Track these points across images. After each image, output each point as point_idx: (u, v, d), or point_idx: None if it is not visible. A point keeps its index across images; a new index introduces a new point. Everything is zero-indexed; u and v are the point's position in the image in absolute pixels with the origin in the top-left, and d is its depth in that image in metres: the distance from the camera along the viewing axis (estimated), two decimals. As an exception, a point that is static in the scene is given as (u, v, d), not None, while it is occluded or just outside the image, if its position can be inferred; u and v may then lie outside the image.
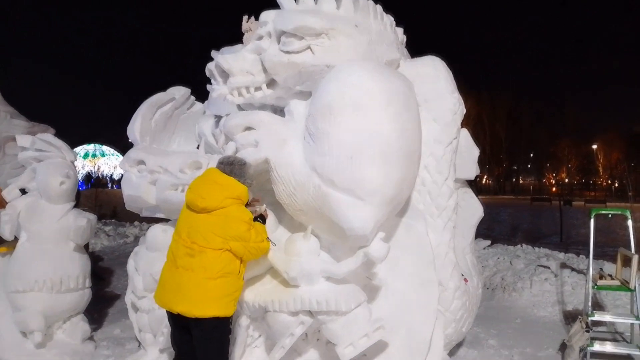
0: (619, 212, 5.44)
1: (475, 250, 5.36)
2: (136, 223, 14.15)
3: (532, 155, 65.94)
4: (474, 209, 5.12)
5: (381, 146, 3.41)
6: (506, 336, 5.85)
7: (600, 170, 61.40)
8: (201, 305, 3.21)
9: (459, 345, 5.14)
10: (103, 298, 6.99)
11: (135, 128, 4.58)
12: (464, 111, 4.41)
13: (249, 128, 3.70)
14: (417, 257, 4.11)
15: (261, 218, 3.61)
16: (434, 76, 4.29)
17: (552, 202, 39.83)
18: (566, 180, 62.95)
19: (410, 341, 3.91)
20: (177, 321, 3.37)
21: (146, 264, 4.44)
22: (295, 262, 3.64)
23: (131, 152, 4.47)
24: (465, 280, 4.60)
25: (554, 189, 59.13)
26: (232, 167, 3.43)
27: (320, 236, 3.77)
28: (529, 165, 69.35)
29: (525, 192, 58.66)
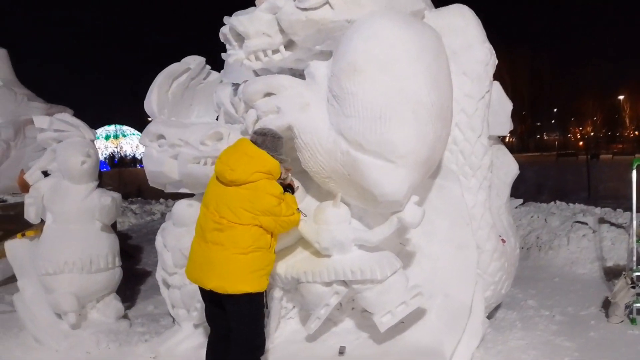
0: (665, 162, 5.13)
1: (510, 210, 5.15)
2: (162, 200, 14.22)
3: (555, 110, 64.30)
4: (508, 167, 4.88)
5: (412, 103, 3.20)
6: (545, 296, 5.68)
7: (627, 122, 59.64)
8: (233, 281, 3.11)
9: (497, 307, 4.99)
10: (134, 276, 7.02)
11: (152, 101, 4.44)
12: (496, 62, 4.14)
13: (269, 94, 3.52)
14: (453, 219, 3.93)
15: (290, 188, 3.46)
16: (462, 26, 4.01)
17: (579, 157, 38.97)
18: (592, 134, 61.37)
19: (450, 306, 3.78)
20: (209, 297, 3.29)
21: (174, 240, 4.38)
22: (326, 231, 3.50)
23: (150, 127, 4.35)
24: (503, 241, 4.42)
25: (580, 143, 57.79)
26: (264, 138, 3.26)
27: (351, 203, 3.61)
28: (553, 121, 67.75)
29: (550, 149, 57.53)
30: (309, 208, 3.73)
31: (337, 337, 3.94)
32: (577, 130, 64.55)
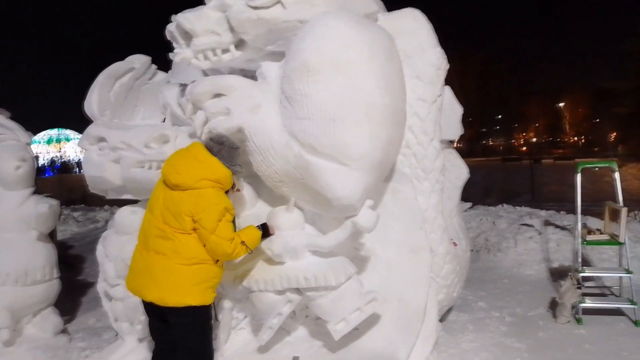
0: (606, 165, 5.32)
1: (461, 212, 5.20)
2: (106, 207, 13.63)
3: (500, 116, 66.63)
4: (459, 170, 4.93)
5: (365, 105, 3.14)
6: (495, 297, 5.77)
7: (567, 128, 62.56)
8: (175, 294, 2.92)
9: (449, 310, 5.01)
10: (75, 287, 6.64)
11: (92, 102, 4.18)
12: (448, 66, 4.15)
13: (218, 95, 3.38)
14: (406, 223, 3.91)
15: (264, 228, 3.30)
16: (414, 29, 4.01)
17: (522, 161, 40.42)
18: (534, 139, 63.96)
19: (404, 311, 3.74)
20: (152, 309, 3.07)
21: (116, 249, 4.13)
22: (278, 237, 3.40)
23: (90, 129, 4.10)
24: (455, 244, 4.45)
25: (523, 148, 60.12)
26: (221, 147, 3.10)
27: (304, 208, 3.51)
28: (498, 127, 70.15)
29: (495, 153, 59.42)
30: (261, 213, 3.61)
31: (290, 346, 3.82)
32: (520, 136, 67.15)
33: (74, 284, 6.75)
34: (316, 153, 3.16)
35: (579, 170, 5.21)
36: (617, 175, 5.14)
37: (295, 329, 3.91)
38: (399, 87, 3.44)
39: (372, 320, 3.62)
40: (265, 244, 3.39)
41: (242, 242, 3.06)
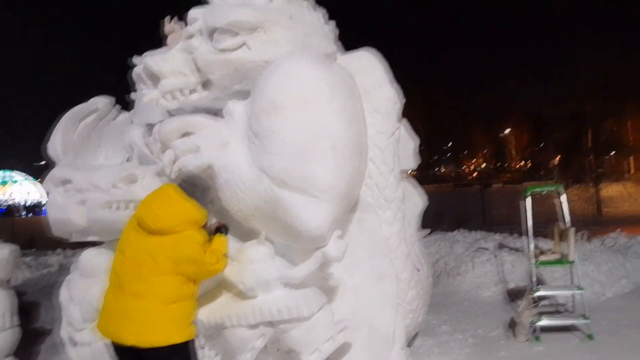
0: (553, 188, 5.68)
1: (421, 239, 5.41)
2: (59, 250, 13.14)
3: (450, 145, 68.89)
4: (416, 199, 5.15)
5: (331, 140, 3.30)
6: (457, 320, 5.96)
7: (513, 153, 65.30)
8: (158, 334, 2.92)
9: (415, 335, 5.15)
10: (32, 335, 6.33)
11: (55, 144, 4.17)
12: (404, 100, 4.40)
13: (187, 133, 3.46)
14: (372, 251, 4.04)
15: (225, 229, 3.39)
16: (371, 68, 4.24)
17: (473, 187, 41.75)
18: (483, 165, 66.34)
19: (374, 338, 3.83)
20: (126, 353, 3.01)
21: (82, 292, 4.05)
22: (250, 271, 3.43)
23: (55, 171, 4.06)
24: (418, 269, 4.61)
25: (473, 174, 62.18)
26: (194, 189, 3.19)
27: (274, 240, 3.59)
28: (448, 155, 72.43)
29: (447, 180, 61.09)
30: (230, 248, 3.65)
31: (262, 380, 3.81)
32: (469, 163, 69.47)
33: (30, 332, 6.44)
34: (286, 186, 3.27)
35: (528, 195, 5.53)
36: (563, 197, 5.50)
37: (267, 362, 3.91)
38: (361, 121, 3.63)
39: (343, 348, 3.68)
40: (237, 278, 3.43)
41: (224, 255, 3.25)
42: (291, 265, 3.61)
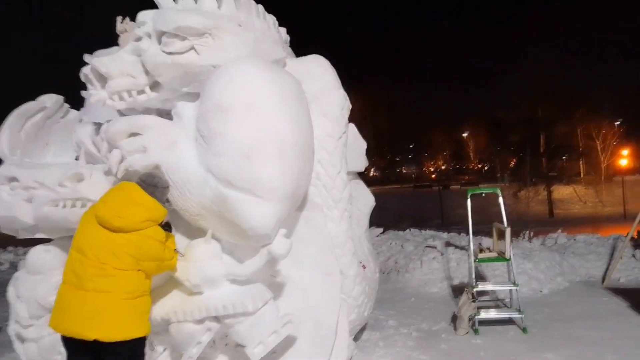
0: (492, 191, 6.01)
1: (370, 237, 5.62)
2: (10, 248, 12.81)
3: (411, 146, 70.11)
4: (366, 199, 5.37)
5: (277, 143, 3.43)
6: (404, 315, 6.22)
7: (472, 156, 66.99)
8: (122, 328, 3.02)
9: (362, 329, 5.36)
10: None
11: (2, 141, 4.15)
12: (350, 106, 4.59)
13: (134, 133, 3.53)
14: (318, 248, 4.21)
15: (167, 226, 3.48)
16: (320, 73, 4.42)
17: (432, 188, 42.74)
18: (443, 167, 67.88)
19: (318, 332, 4.00)
20: (81, 348, 3.06)
21: (29, 290, 4.07)
22: (196, 268, 3.54)
23: (1, 169, 4.05)
24: (364, 266, 4.81)
25: (433, 175, 63.48)
26: (154, 188, 3.29)
27: (222, 239, 3.70)
28: (410, 156, 73.69)
29: (408, 181, 62.23)
30: (179, 246, 3.74)
31: (210, 375, 3.93)
32: (430, 164, 70.87)
33: (-23, 330, 6.35)
34: (232, 187, 3.39)
35: (469, 196, 5.85)
36: (501, 200, 5.83)
37: (215, 357, 4.00)
38: (307, 125, 3.78)
39: (289, 341, 3.83)
40: (183, 275, 3.53)
41: (176, 250, 3.41)
42: (238, 263, 3.74)
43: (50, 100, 4.53)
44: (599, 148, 31.90)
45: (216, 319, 3.58)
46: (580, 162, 33.64)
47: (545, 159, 27.46)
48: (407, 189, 49.43)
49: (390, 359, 4.85)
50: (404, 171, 75.85)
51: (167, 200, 3.45)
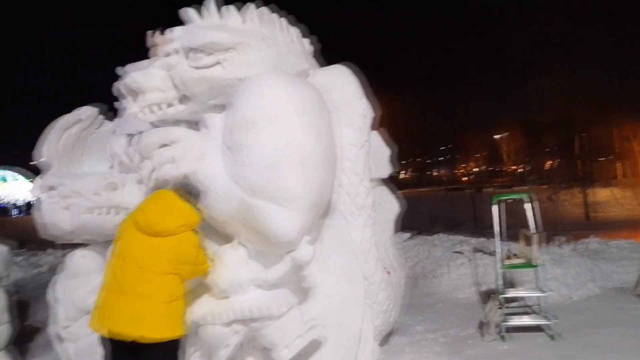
0: (518, 197, 5.96)
1: (396, 243, 5.67)
2: (49, 251, 13.32)
3: (442, 148, 69.30)
4: (391, 205, 5.43)
5: (299, 154, 3.54)
6: (431, 320, 6.22)
7: (505, 158, 65.72)
8: (160, 330, 3.20)
9: (389, 334, 5.40)
10: (24, 333, 6.55)
11: (42, 153, 4.42)
12: (373, 115, 4.67)
13: (164, 145, 3.70)
14: (342, 255, 4.29)
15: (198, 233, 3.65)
16: (342, 84, 4.52)
17: (464, 191, 42.12)
18: (476, 169, 66.80)
19: (342, 336, 4.08)
20: (120, 348, 3.24)
21: (67, 292, 4.31)
22: (224, 273, 3.68)
23: (41, 178, 4.30)
24: (388, 272, 4.86)
25: (464, 178, 62.59)
26: (189, 196, 3.48)
27: (248, 246, 3.83)
28: (442, 158, 72.85)
29: (440, 184, 61.51)
30: (209, 253, 3.90)
31: (238, 376, 4.06)
32: (462, 167, 69.87)
33: (21, 330, 6.67)
34: (256, 196, 3.52)
35: (495, 202, 5.82)
36: (528, 205, 5.78)
37: (244, 359, 4.16)
38: (329, 135, 3.88)
39: (313, 346, 3.92)
40: (212, 280, 3.68)
41: (209, 256, 3.60)
42: (264, 269, 3.86)
43: (85, 113, 4.77)
44: (636, 150, 30.85)
45: (243, 322, 3.70)
46: (618, 165, 32.65)
47: (581, 161, 26.76)
48: (439, 192, 48.83)
49: (416, 364, 4.88)
50: (435, 174, 75.05)
51: (201, 208, 3.60)
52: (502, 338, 5.32)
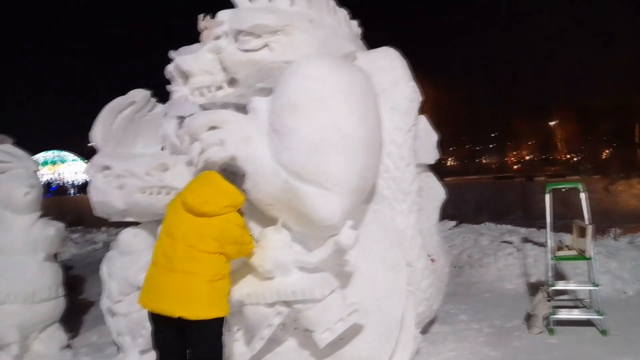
0: (573, 186, 5.73)
1: (440, 231, 5.58)
2: (104, 229, 13.93)
3: (492, 135, 67.39)
4: (436, 192, 5.34)
5: (343, 137, 3.53)
6: (476, 310, 6.11)
7: (559, 146, 63.30)
8: (205, 308, 3.29)
9: (431, 322, 5.35)
10: (77, 306, 6.92)
11: (97, 134, 4.59)
12: (420, 98, 4.58)
13: (212, 127, 3.77)
14: (385, 241, 4.26)
15: (242, 214, 3.71)
16: (389, 67, 4.44)
17: (515, 179, 40.91)
18: (527, 157, 64.67)
19: (383, 322, 4.07)
20: (167, 323, 3.34)
21: (119, 269, 4.48)
22: (269, 255, 3.73)
23: (96, 158, 4.48)
24: (432, 260, 4.79)
25: (515, 166, 60.75)
26: (234, 177, 3.54)
27: (292, 228, 3.87)
28: (490, 146, 70.94)
29: (488, 172, 60.02)
30: (253, 233, 3.97)
31: (280, 356, 4.12)
32: (513, 154, 67.80)
33: (76, 303, 7.03)
34: (301, 179, 3.54)
35: (548, 191, 5.62)
36: (582, 195, 5.55)
37: (285, 339, 4.21)
38: (374, 119, 3.84)
39: (355, 329, 3.94)
40: (257, 261, 3.74)
41: (252, 236, 3.69)
42: (307, 252, 3.90)
43: (139, 95, 4.91)
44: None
45: (286, 303, 3.76)
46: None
47: (640, 150, 25.44)
48: (487, 180, 47.66)
49: (459, 353, 4.82)
50: (484, 161, 73.22)
51: (245, 189, 3.66)
52: (550, 331, 5.17)
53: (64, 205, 22.63)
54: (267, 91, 3.89)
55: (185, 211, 3.41)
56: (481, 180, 48.45)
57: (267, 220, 4.01)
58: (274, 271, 3.76)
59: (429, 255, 4.73)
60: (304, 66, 3.58)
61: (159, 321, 3.42)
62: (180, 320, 3.28)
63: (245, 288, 3.86)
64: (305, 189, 3.55)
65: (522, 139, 64.71)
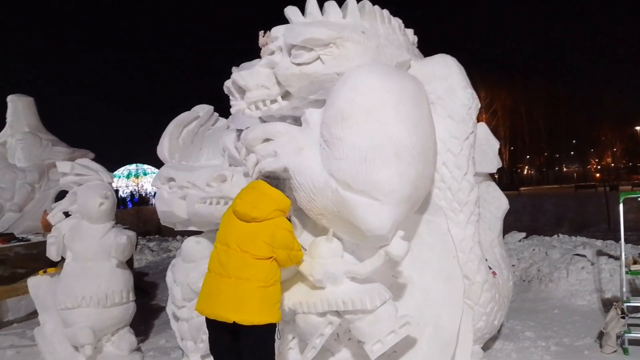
0: (650, 195, 5.33)
1: (503, 243, 5.37)
2: (179, 237, 14.57)
3: (574, 142, 63.86)
4: (499, 202, 5.15)
5: (393, 146, 3.51)
6: (543, 327, 5.81)
7: (647, 153, 58.77)
8: (258, 314, 3.38)
9: (493, 338, 5.15)
10: (148, 311, 7.31)
11: (164, 147, 4.86)
12: (479, 105, 4.46)
13: (267, 139, 3.88)
14: (440, 252, 4.18)
15: (288, 219, 3.80)
16: (445, 73, 4.37)
17: (597, 189, 38.45)
18: (612, 165, 60.63)
19: (439, 335, 3.98)
20: (223, 329, 3.46)
21: (183, 275, 4.68)
22: (319, 264, 3.76)
23: (161, 171, 4.74)
24: (494, 273, 4.63)
25: (598, 174, 57.08)
26: (278, 181, 3.68)
27: (343, 238, 3.89)
28: (572, 153, 67.24)
29: (569, 180, 56.87)
30: (305, 243, 4.02)
31: (334, 366, 4.15)
32: (594, 162, 63.83)
33: (147, 308, 7.44)
34: (351, 189, 3.56)
35: (621, 200, 5.26)
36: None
37: (338, 350, 4.22)
38: (427, 128, 3.78)
39: (409, 342, 3.89)
40: (307, 270, 3.79)
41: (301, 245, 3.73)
42: (358, 262, 3.90)
43: (203, 110, 5.17)
44: None
45: (337, 313, 3.77)
46: None
47: None
48: (568, 189, 45.12)
49: (522, 371, 4.61)
50: (565, 169, 69.44)
51: (290, 194, 3.73)
52: (625, 351, 4.81)
53: (144, 215, 23.93)
54: (321, 103, 3.95)
55: (237, 219, 3.55)
56: (561, 189, 45.94)
57: (319, 231, 4.06)
58: (325, 280, 3.79)
59: (490, 268, 4.58)
60: (353, 76, 3.61)
61: (214, 327, 3.55)
62: (235, 326, 3.39)
63: (297, 296, 3.91)
64: (354, 199, 3.57)
65: (606, 145, 60.86)
